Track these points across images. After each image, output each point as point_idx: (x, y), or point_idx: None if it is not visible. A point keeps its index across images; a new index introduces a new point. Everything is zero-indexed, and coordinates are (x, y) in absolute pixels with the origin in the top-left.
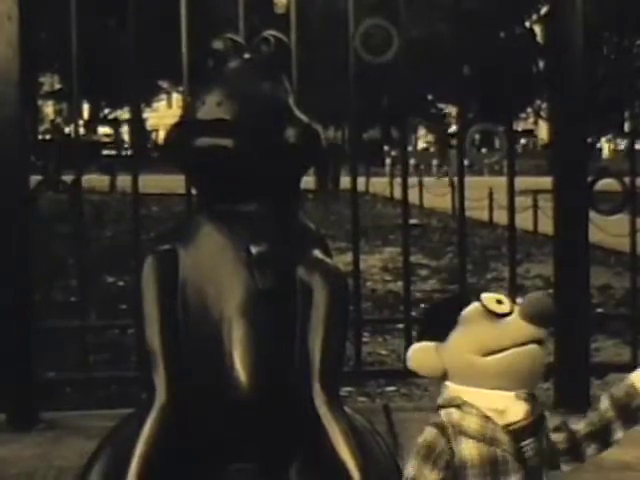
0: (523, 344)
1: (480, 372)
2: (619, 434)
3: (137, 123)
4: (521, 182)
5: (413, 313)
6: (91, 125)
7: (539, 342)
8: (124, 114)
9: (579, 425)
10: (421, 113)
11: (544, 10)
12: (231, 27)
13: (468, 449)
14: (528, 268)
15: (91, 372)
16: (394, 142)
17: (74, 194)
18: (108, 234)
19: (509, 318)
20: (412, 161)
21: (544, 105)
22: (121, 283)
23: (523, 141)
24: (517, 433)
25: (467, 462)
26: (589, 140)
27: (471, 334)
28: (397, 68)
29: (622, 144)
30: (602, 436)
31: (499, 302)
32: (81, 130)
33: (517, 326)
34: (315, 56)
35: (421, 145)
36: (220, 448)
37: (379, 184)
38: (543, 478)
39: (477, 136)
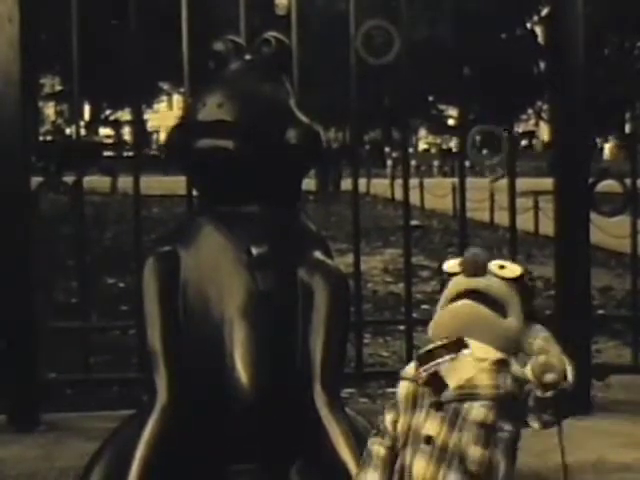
0: (459, 295)
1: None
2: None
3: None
4: (522, 183)
5: (414, 314)
6: (92, 126)
7: (482, 296)
8: (125, 115)
9: None
10: (422, 114)
11: (545, 11)
12: (232, 28)
13: (401, 388)
14: (529, 269)
15: (92, 373)
16: (395, 143)
17: (75, 195)
18: (109, 235)
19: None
20: (413, 162)
21: (545, 106)
22: (122, 284)
23: (524, 142)
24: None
25: (398, 399)
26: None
27: None
28: (398, 69)
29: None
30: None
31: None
32: (82, 131)
33: (455, 280)
34: (316, 57)
35: (422, 146)
36: (221, 449)
37: (380, 185)
38: (460, 420)
39: (478, 137)
